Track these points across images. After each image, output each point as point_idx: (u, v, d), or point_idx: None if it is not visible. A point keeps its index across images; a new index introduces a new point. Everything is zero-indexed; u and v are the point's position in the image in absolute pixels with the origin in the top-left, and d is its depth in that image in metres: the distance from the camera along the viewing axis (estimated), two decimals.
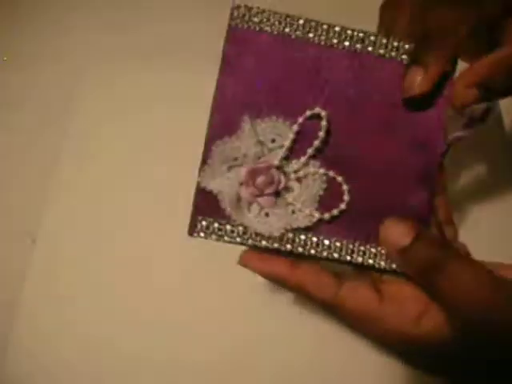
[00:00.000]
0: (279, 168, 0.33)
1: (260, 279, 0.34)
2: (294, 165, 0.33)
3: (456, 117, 0.35)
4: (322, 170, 0.33)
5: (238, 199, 0.33)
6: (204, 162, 0.33)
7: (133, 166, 0.54)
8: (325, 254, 0.34)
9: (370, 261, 0.34)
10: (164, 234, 0.49)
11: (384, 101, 0.34)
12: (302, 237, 0.34)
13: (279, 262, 0.33)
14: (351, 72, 0.34)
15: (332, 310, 0.34)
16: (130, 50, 0.61)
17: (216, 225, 0.33)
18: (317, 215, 0.33)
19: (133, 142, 0.55)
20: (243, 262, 0.34)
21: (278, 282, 0.34)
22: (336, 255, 0.34)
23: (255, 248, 0.34)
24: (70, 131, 0.55)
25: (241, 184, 0.33)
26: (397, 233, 0.32)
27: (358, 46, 0.34)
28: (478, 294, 0.29)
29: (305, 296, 0.34)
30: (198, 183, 0.33)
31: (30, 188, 0.52)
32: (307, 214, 0.33)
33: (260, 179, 0.32)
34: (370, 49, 0.34)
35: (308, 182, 0.34)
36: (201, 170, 0.33)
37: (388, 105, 0.34)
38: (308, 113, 0.33)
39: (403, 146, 0.34)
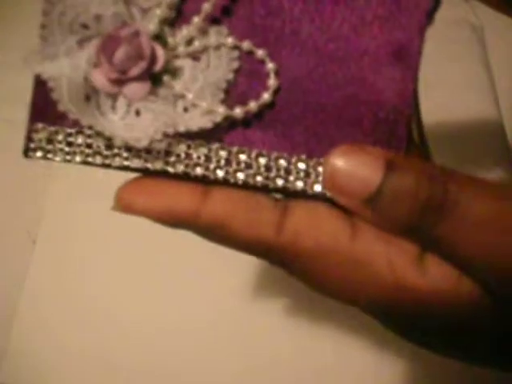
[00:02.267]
0: (158, 38, 0.19)
1: None
2: (184, 32, 0.20)
3: None
4: (230, 40, 0.20)
5: (91, 93, 0.19)
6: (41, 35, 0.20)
7: None
8: (241, 176, 0.20)
9: (317, 187, 0.20)
10: (165, 232, 0.44)
11: None
12: (203, 150, 0.20)
13: (181, 191, 0.20)
14: None
15: (275, 255, 0.20)
16: None
17: (61, 136, 0.20)
18: (221, 110, 0.19)
19: None
20: (123, 201, 0.20)
21: (181, 224, 0.20)
22: (260, 179, 0.20)
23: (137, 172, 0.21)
24: None
25: (95, 66, 0.19)
26: (353, 171, 0.19)
27: None
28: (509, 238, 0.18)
29: (226, 241, 0.21)
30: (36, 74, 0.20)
31: (29, 188, 0.50)
32: (206, 110, 0.19)
33: (119, 53, 0.19)
34: None
35: (208, 59, 0.20)
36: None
37: None
38: None
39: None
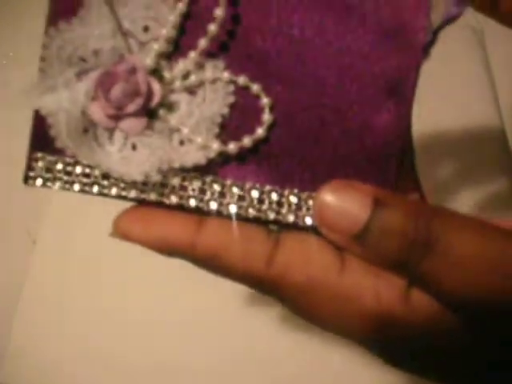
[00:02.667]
0: (155, 72, 0.20)
1: None
2: (181, 66, 0.20)
3: None
4: (226, 75, 0.20)
5: (88, 123, 0.20)
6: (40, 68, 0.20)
7: None
8: (234, 209, 0.20)
9: (308, 220, 0.20)
10: None
11: None
12: (197, 182, 0.20)
13: (176, 222, 0.21)
14: None
15: (266, 287, 0.21)
16: None
17: (60, 166, 0.20)
18: (216, 146, 0.20)
19: None
20: (120, 229, 0.21)
21: (178, 254, 0.21)
22: (253, 211, 0.20)
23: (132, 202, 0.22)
24: None
25: (92, 100, 0.20)
26: (341, 208, 0.19)
27: None
28: (490, 277, 0.19)
29: (220, 272, 0.22)
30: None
31: (30, 188, 0.46)
32: (201, 146, 0.20)
33: (117, 89, 0.19)
34: None
35: (204, 93, 0.20)
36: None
37: None
38: None
39: (365, 34, 0.20)
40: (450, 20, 0.20)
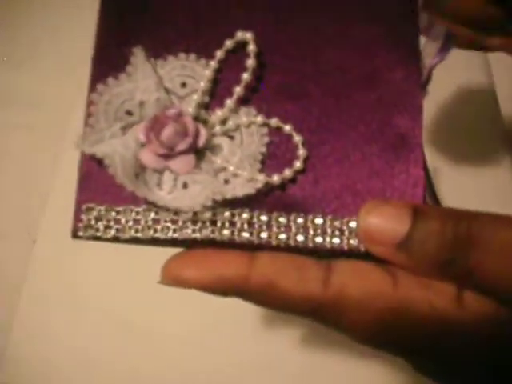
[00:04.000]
0: (196, 119, 0.22)
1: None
2: (219, 113, 0.22)
3: (430, 40, 0.25)
4: (259, 119, 0.22)
5: (140, 170, 0.21)
6: (86, 122, 0.21)
7: None
8: (283, 237, 0.21)
9: (353, 242, 0.21)
10: None
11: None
12: (245, 215, 0.21)
13: (227, 259, 0.21)
14: None
15: (323, 311, 0.21)
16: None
17: (112, 214, 0.21)
18: (261, 178, 0.21)
19: None
20: (171, 274, 0.21)
21: (232, 290, 0.21)
22: (301, 238, 0.21)
23: (181, 246, 0.22)
24: (70, 131, 0.52)
25: (142, 146, 0.21)
26: (384, 224, 0.21)
27: None
28: None
29: (274, 302, 0.22)
30: (82, 155, 0.21)
31: (29, 188, 0.51)
32: (247, 180, 0.21)
33: (167, 130, 0.21)
34: None
35: (242, 136, 0.22)
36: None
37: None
38: (228, 43, 0.22)
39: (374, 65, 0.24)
40: (438, 62, 0.24)
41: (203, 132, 0.22)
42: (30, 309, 0.45)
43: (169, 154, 0.21)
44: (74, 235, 0.21)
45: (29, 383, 0.43)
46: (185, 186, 0.21)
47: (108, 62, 0.22)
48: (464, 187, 0.47)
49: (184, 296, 0.38)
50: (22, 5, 0.63)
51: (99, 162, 0.21)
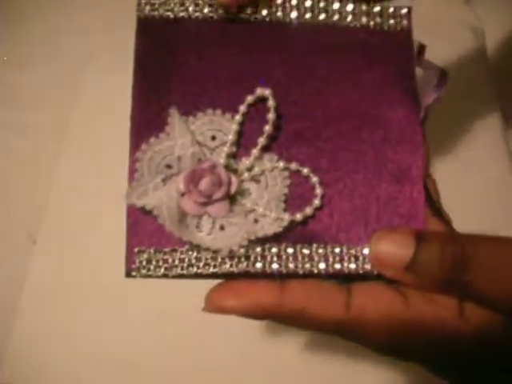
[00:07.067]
0: (227, 167, 0.26)
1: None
2: (245, 162, 0.26)
3: (426, 79, 0.29)
4: (281, 164, 0.26)
5: (182, 216, 0.25)
6: (131, 176, 0.25)
7: None
8: (307, 266, 0.25)
9: (367, 266, 0.25)
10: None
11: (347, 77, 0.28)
12: (274, 249, 0.25)
13: (262, 289, 0.25)
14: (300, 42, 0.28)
15: (347, 329, 0.25)
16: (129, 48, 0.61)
17: (161, 255, 0.25)
18: (287, 217, 0.25)
19: None
20: (214, 303, 0.25)
21: (267, 315, 0.25)
22: (322, 265, 0.25)
23: (220, 278, 0.25)
24: (70, 131, 0.54)
25: (182, 195, 0.25)
26: (392, 249, 0.25)
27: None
28: None
29: (305, 323, 0.25)
30: (128, 206, 0.25)
31: (29, 188, 0.51)
32: (274, 219, 0.25)
33: (204, 181, 0.24)
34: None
35: (267, 180, 0.26)
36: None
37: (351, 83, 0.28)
38: (250, 98, 0.26)
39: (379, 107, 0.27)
40: (435, 102, 0.28)
41: (234, 180, 0.25)
42: (30, 308, 0.46)
43: (207, 201, 0.25)
44: (128, 275, 0.25)
45: (29, 383, 0.43)
46: (222, 228, 0.25)
47: (146, 121, 0.26)
48: (464, 186, 0.49)
49: (184, 299, 0.41)
50: (22, 5, 0.65)
51: (143, 209, 0.24)
